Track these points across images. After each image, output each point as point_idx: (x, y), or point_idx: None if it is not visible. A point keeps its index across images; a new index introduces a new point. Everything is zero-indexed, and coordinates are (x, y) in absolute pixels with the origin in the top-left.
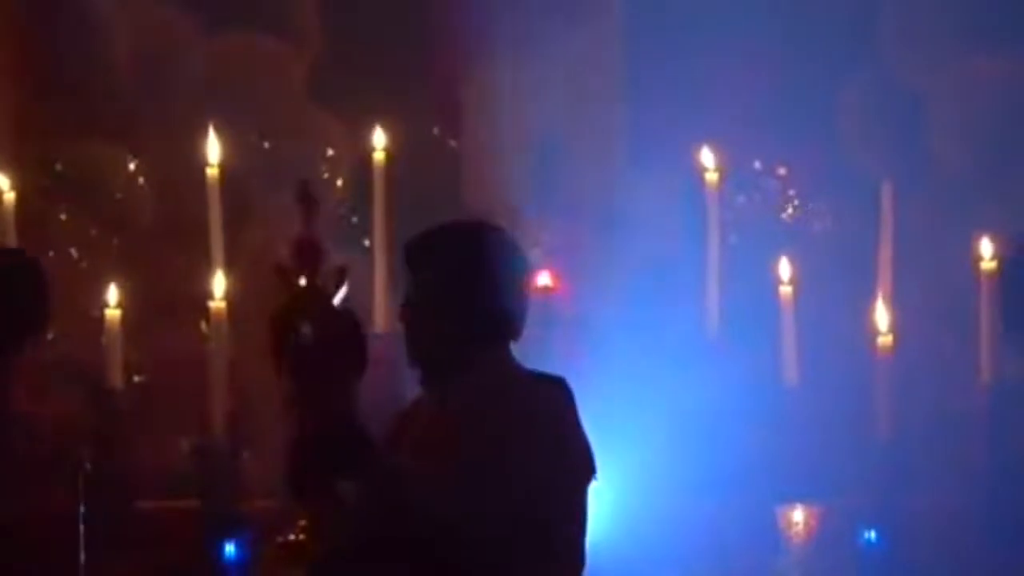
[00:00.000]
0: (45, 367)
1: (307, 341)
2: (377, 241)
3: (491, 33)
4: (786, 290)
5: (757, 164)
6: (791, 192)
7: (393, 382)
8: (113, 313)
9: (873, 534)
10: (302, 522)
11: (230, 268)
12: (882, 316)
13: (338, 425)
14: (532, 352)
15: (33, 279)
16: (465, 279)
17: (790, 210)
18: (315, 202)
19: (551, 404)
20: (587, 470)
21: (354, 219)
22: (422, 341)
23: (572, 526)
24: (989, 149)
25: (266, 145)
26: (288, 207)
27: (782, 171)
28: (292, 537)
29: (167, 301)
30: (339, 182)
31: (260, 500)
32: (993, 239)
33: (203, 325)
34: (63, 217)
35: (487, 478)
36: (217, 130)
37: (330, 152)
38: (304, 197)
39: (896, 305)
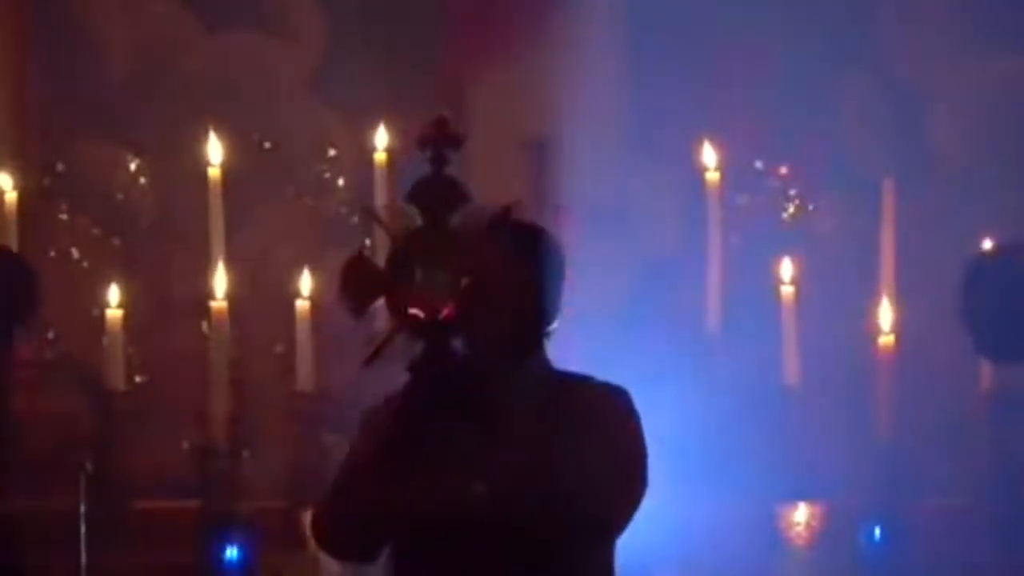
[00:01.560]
0: (45, 367)
1: (442, 283)
2: (378, 241)
3: (493, 32)
4: (788, 290)
5: (758, 164)
6: (792, 192)
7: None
8: (114, 313)
9: (877, 532)
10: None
11: (230, 268)
12: (885, 315)
13: (462, 379)
14: None
15: (15, 270)
16: (558, 274)
17: (792, 209)
18: (461, 138)
19: (612, 405)
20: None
21: (355, 219)
22: (499, 320)
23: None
24: (991, 147)
25: (267, 145)
26: (289, 207)
27: (783, 170)
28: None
29: (168, 301)
30: (340, 182)
31: (260, 500)
32: (994, 238)
33: (204, 325)
34: (64, 217)
35: (558, 467)
36: (217, 130)
37: (332, 152)
38: (443, 132)
39: (898, 304)
